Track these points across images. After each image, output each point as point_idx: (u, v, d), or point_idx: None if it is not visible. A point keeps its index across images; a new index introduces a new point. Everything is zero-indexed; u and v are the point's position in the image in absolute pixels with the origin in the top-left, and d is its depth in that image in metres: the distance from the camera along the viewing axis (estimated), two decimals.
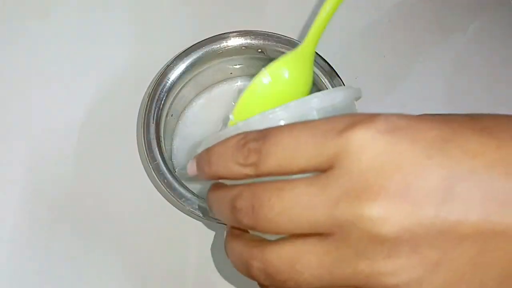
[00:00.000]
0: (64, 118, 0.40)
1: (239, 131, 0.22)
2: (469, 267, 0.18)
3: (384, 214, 0.18)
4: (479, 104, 0.41)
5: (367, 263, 0.18)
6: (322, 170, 0.19)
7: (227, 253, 0.24)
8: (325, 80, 0.36)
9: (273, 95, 0.31)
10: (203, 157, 0.23)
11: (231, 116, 0.33)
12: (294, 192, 0.19)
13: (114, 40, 0.43)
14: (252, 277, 0.21)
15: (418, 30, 0.44)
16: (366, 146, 0.18)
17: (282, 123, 0.22)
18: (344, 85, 0.35)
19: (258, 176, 0.21)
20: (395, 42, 0.43)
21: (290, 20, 0.43)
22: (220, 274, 0.36)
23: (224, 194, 0.22)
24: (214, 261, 0.36)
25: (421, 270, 0.18)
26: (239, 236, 0.23)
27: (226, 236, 0.24)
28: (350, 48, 0.43)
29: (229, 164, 0.21)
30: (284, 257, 0.20)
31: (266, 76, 0.31)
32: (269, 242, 0.21)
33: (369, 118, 0.19)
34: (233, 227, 0.24)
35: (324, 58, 0.36)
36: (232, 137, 0.22)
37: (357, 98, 0.25)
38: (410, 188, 0.18)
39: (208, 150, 0.23)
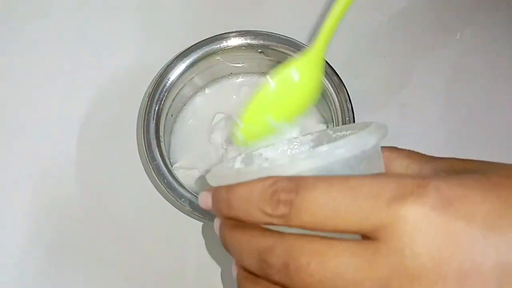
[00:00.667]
0: (64, 118, 0.40)
1: (264, 174, 0.20)
2: None
3: None
4: (479, 104, 0.41)
5: None
6: (362, 236, 0.19)
7: None
8: (325, 80, 0.36)
9: (282, 100, 0.30)
10: (222, 196, 0.22)
11: (238, 122, 0.31)
12: (338, 261, 0.18)
13: (114, 40, 0.43)
14: None
15: (417, 31, 0.44)
16: (419, 225, 0.18)
17: (312, 172, 0.21)
18: (343, 85, 0.35)
19: (285, 226, 0.20)
20: (395, 42, 0.43)
21: (290, 20, 0.43)
22: (220, 274, 0.36)
23: (250, 240, 0.21)
24: (214, 261, 0.36)
25: None
26: (259, 283, 0.21)
27: (240, 278, 0.23)
28: (350, 48, 0.43)
29: (252, 211, 0.20)
30: None
31: (274, 80, 0.29)
32: None
33: (420, 189, 0.18)
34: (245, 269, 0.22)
35: (324, 58, 0.36)
36: (258, 181, 0.20)
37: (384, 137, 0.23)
38: (466, 276, 0.17)
39: (228, 190, 0.21)
